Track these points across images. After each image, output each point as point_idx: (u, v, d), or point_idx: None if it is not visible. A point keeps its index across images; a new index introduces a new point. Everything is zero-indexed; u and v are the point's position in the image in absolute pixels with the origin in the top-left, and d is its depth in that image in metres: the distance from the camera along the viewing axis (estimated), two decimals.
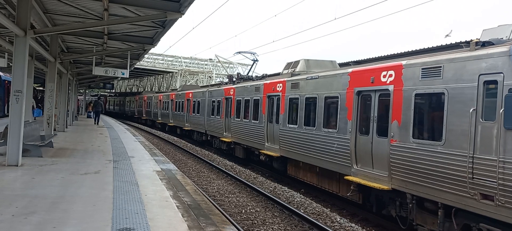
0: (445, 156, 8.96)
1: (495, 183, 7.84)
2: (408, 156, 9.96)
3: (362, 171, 11.73)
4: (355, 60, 15.13)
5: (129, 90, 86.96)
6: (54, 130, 21.38)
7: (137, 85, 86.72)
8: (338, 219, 11.99)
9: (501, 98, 7.91)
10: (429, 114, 10.04)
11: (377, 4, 17.56)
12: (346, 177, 12.24)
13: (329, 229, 10.83)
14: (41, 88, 48.99)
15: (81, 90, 60.02)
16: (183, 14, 13.00)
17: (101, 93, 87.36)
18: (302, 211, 12.73)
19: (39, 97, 42.98)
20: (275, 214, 12.59)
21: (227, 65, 60.00)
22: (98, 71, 23.14)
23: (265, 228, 11.18)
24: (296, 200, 14.16)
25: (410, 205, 10.09)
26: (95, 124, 34.41)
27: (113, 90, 76.96)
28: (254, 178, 18.23)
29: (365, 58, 14.28)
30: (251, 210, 12.81)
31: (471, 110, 8.45)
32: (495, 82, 8.12)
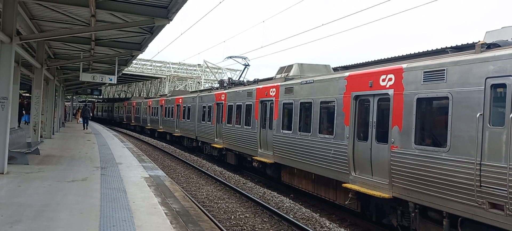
0: (450, 163, 8.60)
1: (505, 192, 7.49)
2: (410, 163, 9.60)
3: (361, 178, 11.35)
4: (351, 64, 14.77)
5: (117, 96, 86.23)
6: (41, 136, 21.01)
7: (125, 91, 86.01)
8: (328, 224, 11.85)
9: (511, 102, 7.58)
10: (433, 120, 9.71)
11: (364, 9, 17.30)
12: (344, 185, 11.85)
13: None
14: (27, 94, 48.23)
15: (68, 97, 59.23)
16: (171, 20, 12.91)
17: (89, 99, 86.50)
18: (292, 216, 12.56)
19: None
20: (265, 219, 12.42)
21: (215, 70, 59.66)
22: (85, 77, 22.79)
23: None
24: (285, 205, 13.99)
25: (413, 214, 9.72)
26: (83, 129, 35.75)
27: (101, 96, 76.24)
28: (243, 183, 18.01)
29: (362, 62, 13.92)
30: (241, 216, 12.63)
31: (478, 115, 8.11)
32: (503, 85, 7.79)
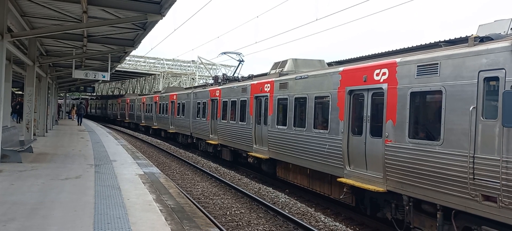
0: (443, 156, 8.64)
1: (498, 184, 7.54)
2: (404, 157, 9.63)
3: (356, 172, 11.38)
4: (345, 59, 14.77)
5: (111, 93, 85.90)
6: (34, 134, 20.91)
7: (118, 88, 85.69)
8: (323, 219, 11.91)
9: None
10: (426, 113, 9.73)
11: (360, 4, 17.28)
12: (338, 179, 11.88)
13: (313, 229, 10.65)
14: (20, 92, 48.02)
15: (61, 94, 58.96)
16: (164, 16, 12.87)
17: (83, 96, 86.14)
18: (287, 211, 12.63)
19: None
20: (260, 215, 12.46)
21: (210, 66, 59.56)
22: (78, 74, 22.66)
23: (250, 229, 11.08)
24: (280, 200, 14.03)
25: (407, 207, 9.76)
26: (78, 124, 38.67)
27: (95, 93, 75.93)
28: (238, 179, 18.02)
29: (356, 56, 13.93)
30: (236, 212, 12.67)
31: (471, 108, 8.14)
32: (496, 78, 7.82)
